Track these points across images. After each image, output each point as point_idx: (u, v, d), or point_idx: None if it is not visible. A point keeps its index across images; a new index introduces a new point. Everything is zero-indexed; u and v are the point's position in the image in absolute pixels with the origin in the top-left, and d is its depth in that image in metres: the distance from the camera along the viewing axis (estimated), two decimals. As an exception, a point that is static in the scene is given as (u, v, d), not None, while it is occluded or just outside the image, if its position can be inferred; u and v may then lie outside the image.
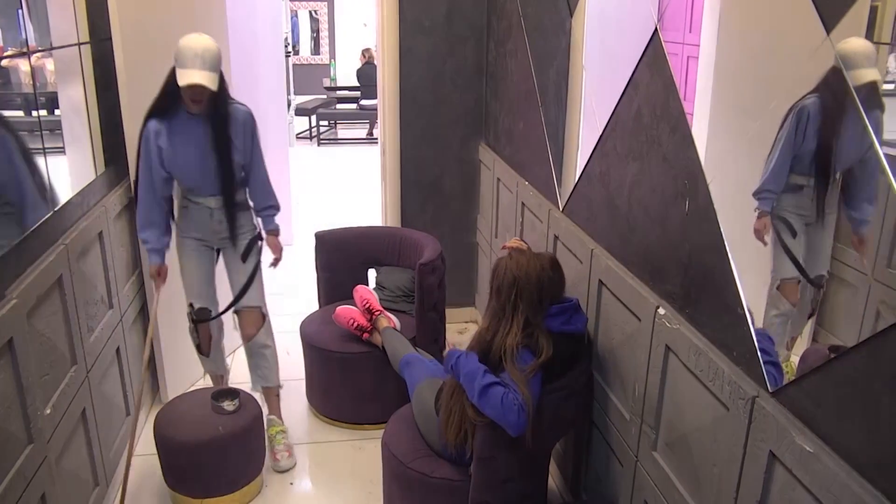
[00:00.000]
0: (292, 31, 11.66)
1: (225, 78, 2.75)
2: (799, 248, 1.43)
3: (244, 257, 2.96)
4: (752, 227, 1.58)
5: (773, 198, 1.45)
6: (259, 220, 3.03)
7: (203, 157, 2.77)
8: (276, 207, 3.01)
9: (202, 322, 2.99)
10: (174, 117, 2.75)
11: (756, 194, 1.49)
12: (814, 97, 1.31)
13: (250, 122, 2.84)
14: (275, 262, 3.10)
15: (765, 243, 1.49)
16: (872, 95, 1.19)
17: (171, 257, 2.99)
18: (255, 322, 3.03)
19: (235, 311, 3.04)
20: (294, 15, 11.94)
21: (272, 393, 3.17)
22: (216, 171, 2.79)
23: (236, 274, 2.99)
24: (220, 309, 3.05)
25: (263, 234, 3.03)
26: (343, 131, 11.08)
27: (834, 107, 1.26)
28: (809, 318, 1.43)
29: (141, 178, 2.80)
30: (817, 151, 1.34)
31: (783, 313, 1.48)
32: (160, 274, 2.89)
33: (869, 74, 1.20)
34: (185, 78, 2.57)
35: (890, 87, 1.20)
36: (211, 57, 2.60)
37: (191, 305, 2.98)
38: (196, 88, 2.59)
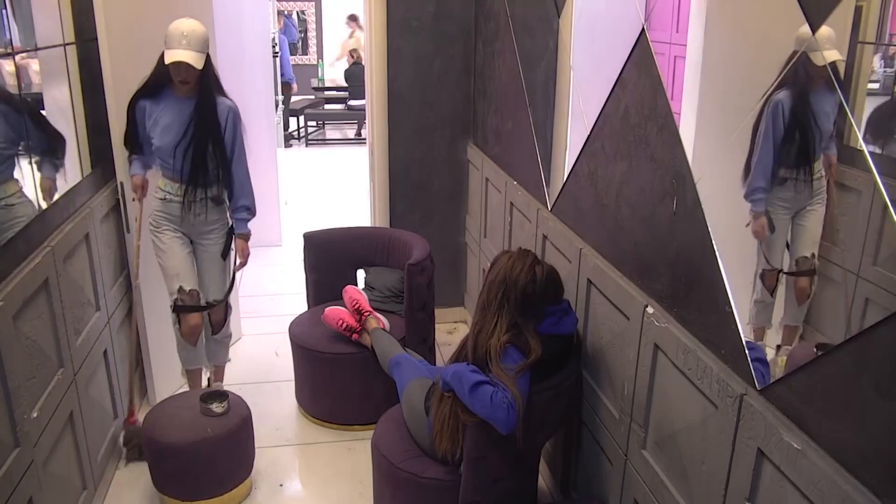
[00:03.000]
0: (291, 32, 11.60)
1: (214, 66, 2.86)
2: (780, 240, 1.44)
3: (224, 253, 3.05)
4: (740, 225, 1.59)
5: (765, 196, 1.46)
6: (231, 220, 3.06)
7: (183, 136, 2.84)
8: (250, 209, 3.05)
9: (194, 308, 2.99)
10: (162, 98, 2.86)
11: (747, 196, 1.49)
12: (785, 89, 1.33)
13: (233, 116, 2.91)
14: (239, 267, 3.16)
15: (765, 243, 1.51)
16: (836, 75, 1.22)
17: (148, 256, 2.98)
18: (222, 308, 3.16)
19: (206, 303, 3.10)
20: (289, 16, 11.89)
21: (222, 365, 3.39)
22: (190, 153, 2.85)
23: (211, 266, 3.05)
24: (203, 303, 3.06)
25: (234, 234, 3.08)
26: (331, 132, 11.05)
27: (804, 91, 1.28)
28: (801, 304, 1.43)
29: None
30: (798, 140, 1.35)
31: (761, 300, 1.50)
32: (143, 186, 2.97)
33: (831, 55, 1.23)
34: (171, 56, 2.71)
35: (875, 86, 1.21)
36: (196, 38, 2.72)
37: (180, 290, 2.95)
38: (181, 66, 2.71)
